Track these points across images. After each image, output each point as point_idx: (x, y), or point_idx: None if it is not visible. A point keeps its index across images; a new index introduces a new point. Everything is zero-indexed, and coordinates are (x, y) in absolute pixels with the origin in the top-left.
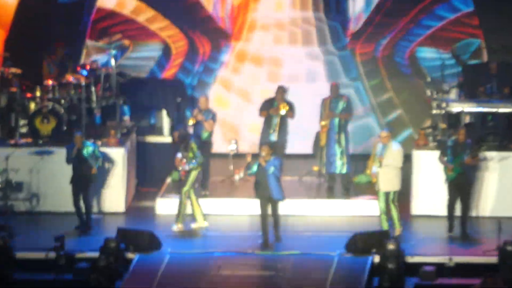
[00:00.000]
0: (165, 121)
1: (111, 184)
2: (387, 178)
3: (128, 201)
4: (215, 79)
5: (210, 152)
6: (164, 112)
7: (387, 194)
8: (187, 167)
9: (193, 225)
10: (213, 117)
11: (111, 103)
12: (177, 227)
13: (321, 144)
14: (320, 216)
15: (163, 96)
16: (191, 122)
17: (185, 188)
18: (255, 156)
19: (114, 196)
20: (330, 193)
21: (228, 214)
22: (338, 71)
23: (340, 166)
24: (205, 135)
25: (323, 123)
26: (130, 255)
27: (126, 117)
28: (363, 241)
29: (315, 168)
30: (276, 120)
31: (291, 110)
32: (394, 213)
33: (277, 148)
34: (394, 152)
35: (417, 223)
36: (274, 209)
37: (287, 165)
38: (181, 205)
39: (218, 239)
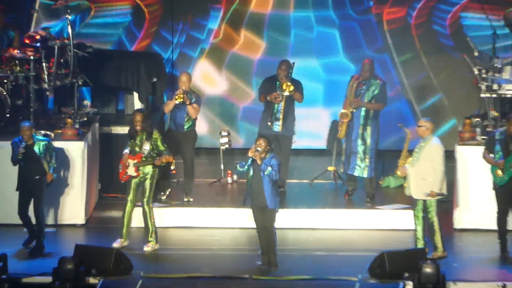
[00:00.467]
0: (136, 107)
1: (68, 188)
2: (424, 183)
3: (89, 211)
4: (201, 53)
5: (193, 146)
6: (135, 96)
7: (424, 203)
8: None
9: (146, 248)
10: (197, 101)
11: (68, 83)
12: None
13: (340, 136)
14: (337, 230)
15: (134, 75)
16: (177, 100)
17: (146, 197)
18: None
19: (72, 204)
20: (350, 200)
21: (218, 226)
22: (358, 42)
23: (360, 168)
24: (187, 124)
25: (344, 111)
26: (91, 280)
27: (87, 102)
28: (392, 263)
29: (331, 168)
30: (279, 105)
31: (299, 91)
32: (435, 229)
33: (281, 142)
34: (433, 148)
35: (461, 240)
36: (269, 223)
37: (294, 164)
38: (147, 219)
39: (204, 259)
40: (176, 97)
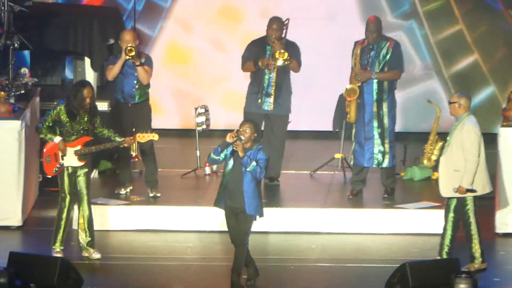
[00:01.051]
0: (89, 76)
1: (0, 182)
2: (455, 176)
3: (27, 209)
4: (174, 2)
5: (149, 122)
6: (86, 62)
7: (458, 201)
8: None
9: (96, 255)
10: (148, 62)
11: (0, 46)
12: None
13: (350, 120)
14: (347, 235)
15: (85, 35)
16: (128, 55)
17: (86, 193)
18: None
19: (4, 201)
20: (360, 198)
21: (191, 230)
22: (374, 1)
23: (379, 158)
24: (138, 93)
25: (350, 86)
26: None
27: (25, 70)
28: (416, 277)
29: (338, 156)
30: (270, 77)
31: (295, 57)
32: (472, 234)
33: (273, 123)
34: (464, 130)
35: (505, 248)
36: (242, 233)
37: (292, 150)
38: (88, 220)
39: (174, 271)
40: (126, 50)
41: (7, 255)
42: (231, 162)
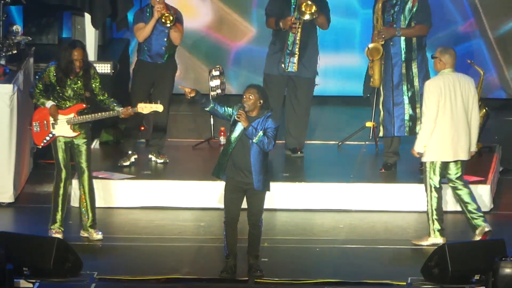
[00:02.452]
0: (89, 34)
1: None
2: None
3: (19, 184)
4: None
5: (173, 82)
6: (86, 19)
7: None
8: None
9: (88, 234)
10: (179, 19)
11: None
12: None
13: (374, 84)
14: (378, 213)
15: None
16: (164, 19)
17: (85, 165)
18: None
19: None
20: (393, 172)
21: (204, 207)
22: None
23: (411, 125)
24: (168, 52)
25: (373, 45)
26: (23, 283)
27: (17, 27)
28: (456, 260)
29: (369, 124)
30: (295, 34)
31: (324, 12)
32: (427, 208)
33: (297, 87)
34: (425, 87)
35: None
36: (256, 212)
37: (317, 118)
38: (90, 195)
39: (185, 254)
40: (160, 13)
41: None
42: (238, 129)
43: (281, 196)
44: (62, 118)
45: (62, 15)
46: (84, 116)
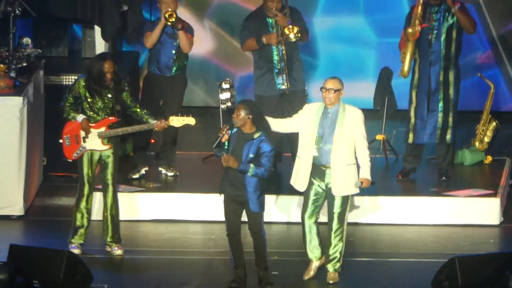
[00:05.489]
0: (99, 47)
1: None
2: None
3: (29, 197)
4: None
5: (183, 96)
6: (96, 32)
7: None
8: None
9: (110, 249)
10: (190, 29)
11: (0, 13)
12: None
13: (402, 74)
14: (389, 226)
15: (95, 1)
16: (169, 21)
17: (111, 179)
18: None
19: (5, 187)
20: (406, 183)
21: (214, 220)
22: None
23: (441, 133)
24: (177, 64)
25: (410, 29)
26: None
27: (27, 40)
28: (466, 273)
29: (379, 137)
30: (280, 51)
31: (303, 28)
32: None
33: (293, 101)
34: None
35: None
36: (256, 227)
37: None
38: (113, 209)
39: (195, 266)
40: (166, 15)
41: (8, 248)
42: (229, 148)
43: (292, 209)
44: (93, 132)
45: (72, 27)
46: (115, 130)
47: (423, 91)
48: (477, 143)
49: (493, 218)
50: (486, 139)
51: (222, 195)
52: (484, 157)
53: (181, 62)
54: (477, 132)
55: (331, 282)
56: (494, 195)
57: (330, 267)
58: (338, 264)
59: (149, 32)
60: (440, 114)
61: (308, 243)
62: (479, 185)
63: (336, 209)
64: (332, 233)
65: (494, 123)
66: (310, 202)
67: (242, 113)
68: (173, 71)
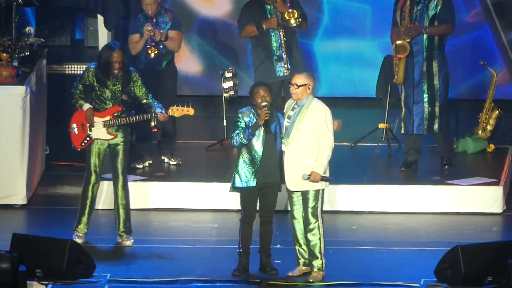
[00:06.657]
0: (102, 36)
1: (2, 154)
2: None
3: (32, 186)
4: None
5: (175, 86)
6: (99, 20)
7: None
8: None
9: (127, 242)
10: (175, 24)
11: (2, 2)
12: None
13: (397, 81)
14: (392, 214)
15: None
16: (152, 54)
17: (121, 169)
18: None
19: (7, 176)
20: (408, 172)
21: (217, 209)
22: None
23: (429, 123)
24: (166, 58)
25: (400, 42)
26: (36, 285)
27: (30, 29)
28: (469, 262)
29: (382, 126)
30: (278, 38)
31: (303, 15)
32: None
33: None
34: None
35: None
36: (272, 208)
37: None
38: (124, 199)
39: (198, 255)
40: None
41: (10, 237)
42: (259, 136)
43: None
44: (98, 121)
45: (75, 16)
46: (120, 119)
47: (408, 82)
48: (480, 132)
49: (496, 207)
50: (489, 127)
51: (250, 189)
52: (487, 146)
53: (170, 56)
54: (480, 120)
55: (311, 280)
56: (497, 183)
57: (314, 264)
58: (319, 262)
59: (135, 35)
60: (426, 105)
61: (296, 242)
62: (482, 173)
63: (310, 204)
64: (308, 228)
65: (497, 112)
66: (290, 201)
67: (268, 94)
68: (163, 64)
